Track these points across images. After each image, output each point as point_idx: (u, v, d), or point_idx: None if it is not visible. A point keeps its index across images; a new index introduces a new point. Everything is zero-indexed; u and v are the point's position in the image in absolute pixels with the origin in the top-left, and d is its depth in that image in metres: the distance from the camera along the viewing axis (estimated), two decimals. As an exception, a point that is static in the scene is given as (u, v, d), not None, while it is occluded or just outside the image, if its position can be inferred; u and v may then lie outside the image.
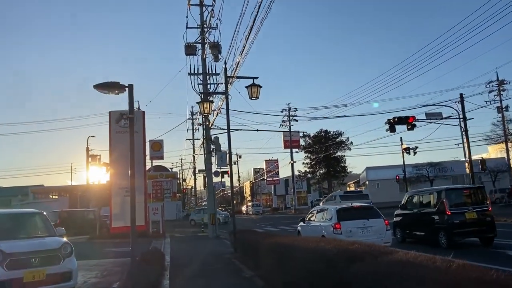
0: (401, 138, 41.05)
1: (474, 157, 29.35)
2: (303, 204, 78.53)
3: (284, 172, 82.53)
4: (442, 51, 58.27)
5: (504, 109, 39.07)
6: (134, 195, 8.35)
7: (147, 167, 54.58)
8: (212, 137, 20.94)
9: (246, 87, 12.31)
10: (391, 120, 22.40)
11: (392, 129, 22.69)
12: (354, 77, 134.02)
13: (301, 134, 45.24)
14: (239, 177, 78.80)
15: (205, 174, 21.59)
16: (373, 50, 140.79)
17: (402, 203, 12.96)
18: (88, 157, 29.09)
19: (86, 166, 30.44)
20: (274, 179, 75.25)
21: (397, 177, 41.13)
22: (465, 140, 25.58)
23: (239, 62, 13.00)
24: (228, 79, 12.61)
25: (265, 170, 76.76)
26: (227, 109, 12.05)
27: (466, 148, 23.76)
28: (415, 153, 38.23)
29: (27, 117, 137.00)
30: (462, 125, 25.12)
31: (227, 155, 12.04)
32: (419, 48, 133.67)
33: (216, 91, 19.44)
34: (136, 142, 21.75)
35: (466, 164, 24.58)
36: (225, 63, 12.47)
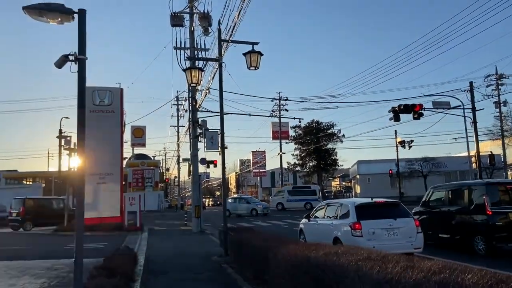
0: (395, 131, 39.50)
1: (472, 153, 27.83)
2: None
3: (271, 164, 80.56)
4: (440, 41, 56.91)
5: (502, 104, 37.77)
6: (84, 179, 5.84)
7: (129, 155, 51.77)
8: (200, 120, 18.66)
9: (244, 54, 10.09)
10: (396, 108, 20.49)
11: (396, 118, 20.78)
12: (348, 66, 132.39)
13: (294, 122, 43.10)
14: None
15: (190, 162, 19.31)
16: (368, 40, 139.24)
17: (424, 199, 11.00)
18: (60, 140, 26.38)
19: (59, 151, 27.72)
20: (261, 171, 73.30)
21: (390, 171, 39.56)
22: (470, 133, 23.91)
23: (235, 24, 10.74)
24: (222, 44, 10.33)
25: (251, 162, 74.72)
26: (220, 79, 9.80)
27: (474, 141, 22.02)
28: (410, 146, 36.65)
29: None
30: (464, 116, 23.47)
31: (219, 136, 9.78)
32: (415, 38, 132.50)
33: (205, 67, 17.12)
34: (112, 123, 19.23)
35: (473, 158, 22.88)
36: (219, 23, 10.17)
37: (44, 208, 21.15)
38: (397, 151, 38.94)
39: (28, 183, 57.22)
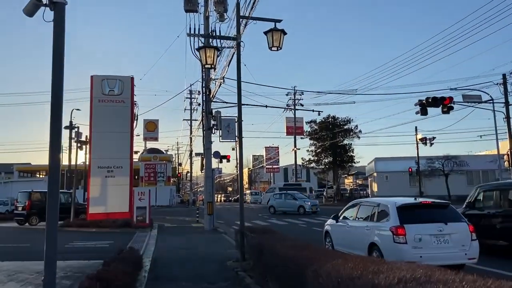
0: (416, 127, 37.78)
1: (487, 152, 26.17)
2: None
3: (284, 160, 79.54)
4: (465, 35, 54.38)
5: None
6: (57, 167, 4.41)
7: (141, 149, 51.06)
8: (213, 111, 17.52)
9: (265, 32, 8.89)
10: (424, 101, 19.03)
11: (423, 112, 19.32)
12: (366, 60, 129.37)
13: (309, 117, 41.82)
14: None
15: (203, 156, 18.21)
16: (387, 32, 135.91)
17: (469, 200, 9.66)
18: (71, 132, 25.57)
19: (69, 143, 26.96)
20: (274, 167, 72.21)
21: (410, 170, 37.92)
22: (500, 129, 22.30)
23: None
24: (240, 20, 9.13)
25: (264, 157, 73.65)
26: (238, 60, 8.63)
27: (508, 138, 20.42)
28: (431, 144, 35.00)
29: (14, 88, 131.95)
30: (494, 111, 21.88)
31: (236, 123, 8.61)
32: (438, 31, 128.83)
33: (220, 54, 15.95)
34: (122, 114, 18.16)
35: (506, 156, 21.26)
36: (238, -4, 8.96)
37: (51, 201, 20.30)
38: (417, 148, 37.26)
39: (41, 176, 57.11)
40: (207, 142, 17.42)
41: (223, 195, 75.23)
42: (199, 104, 44.10)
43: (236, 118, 8.81)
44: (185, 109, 45.29)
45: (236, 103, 18.74)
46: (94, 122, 18.78)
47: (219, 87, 17.77)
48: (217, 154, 18.13)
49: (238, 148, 8.99)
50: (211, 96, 17.27)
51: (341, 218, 8.98)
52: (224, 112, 17.89)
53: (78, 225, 16.95)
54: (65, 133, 31.25)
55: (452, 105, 19.23)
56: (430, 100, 18.93)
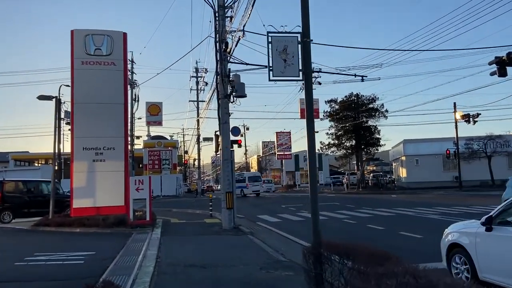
0: (454, 103, 33.38)
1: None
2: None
3: (298, 146, 75.09)
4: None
5: None
6: None
7: (144, 135, 46.99)
8: (231, 75, 13.33)
9: None
10: (504, 58, 14.67)
11: (502, 72, 14.98)
12: (391, 31, 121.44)
13: (324, 97, 37.56)
14: (246, 150, 71.69)
15: (217, 132, 14.03)
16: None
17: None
18: (56, 111, 21.30)
19: (56, 125, 22.80)
20: (286, 153, 67.95)
21: (448, 152, 33.59)
22: None
23: None
24: None
25: (275, 144, 69.35)
26: None
27: None
28: (475, 122, 30.60)
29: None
30: None
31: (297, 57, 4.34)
32: None
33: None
34: (113, 80, 14.13)
35: None
36: None
37: (30, 193, 16.35)
38: (456, 127, 32.91)
39: (39, 165, 53.43)
40: (224, 115, 13.25)
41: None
42: (206, 84, 39.91)
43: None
44: (190, 89, 41.15)
45: (261, 65, 14.49)
46: (76, 90, 14.53)
47: (237, 43, 13.54)
48: (237, 131, 13.99)
49: (305, 91, 4.85)
50: (227, 51, 13.03)
51: (497, 222, 4.81)
52: (244, 79, 13.66)
53: (57, 224, 12.97)
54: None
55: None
56: None
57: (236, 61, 13.75)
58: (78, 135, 13.99)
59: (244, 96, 12.99)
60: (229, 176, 13.08)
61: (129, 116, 14.79)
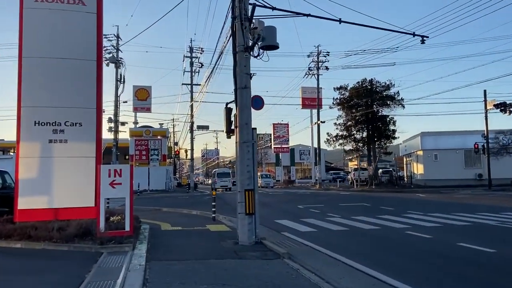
0: (485, 91, 29.58)
1: None
2: (309, 177, 67.49)
3: (292, 140, 70.80)
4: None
5: None
6: None
7: (131, 120, 42.23)
8: (254, 20, 9.03)
9: None
10: None
11: None
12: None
13: (330, 85, 33.35)
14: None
15: (230, 105, 9.66)
16: None
17: None
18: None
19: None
20: (283, 146, 63.85)
21: (476, 146, 29.82)
22: None
23: None
24: None
25: (272, 136, 65.10)
26: None
27: None
28: (511, 111, 26.82)
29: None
30: None
31: None
32: None
33: None
34: (81, 27, 9.54)
35: None
36: None
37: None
38: (486, 118, 29.14)
39: (13, 153, 48.46)
40: (242, 76, 8.98)
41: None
42: (201, 65, 35.49)
43: None
44: (184, 71, 36.64)
45: (298, 13, 10.21)
46: (26, 39, 8.98)
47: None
48: (259, 101, 9.68)
49: None
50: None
51: None
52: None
53: (-10, 234, 8.54)
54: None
55: None
56: None
57: (259, 3, 9.42)
58: (27, 103, 9.63)
59: (276, 46, 8.72)
60: (250, 167, 8.85)
61: (103, 79, 10.35)
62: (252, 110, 9.35)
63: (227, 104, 10.00)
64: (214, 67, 17.57)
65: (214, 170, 47.39)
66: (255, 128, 9.14)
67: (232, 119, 9.69)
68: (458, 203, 18.29)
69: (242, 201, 8.67)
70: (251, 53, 8.96)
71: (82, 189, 9.64)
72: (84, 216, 9.36)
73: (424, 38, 12.29)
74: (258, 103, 9.75)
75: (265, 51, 8.89)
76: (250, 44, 8.92)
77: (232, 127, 9.68)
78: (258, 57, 8.90)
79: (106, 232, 8.30)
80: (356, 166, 40.76)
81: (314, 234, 10.08)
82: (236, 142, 9.16)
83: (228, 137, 10.69)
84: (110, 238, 8.13)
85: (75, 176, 9.69)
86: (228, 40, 11.68)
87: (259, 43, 8.71)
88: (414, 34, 12.15)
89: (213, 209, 13.25)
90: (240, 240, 8.64)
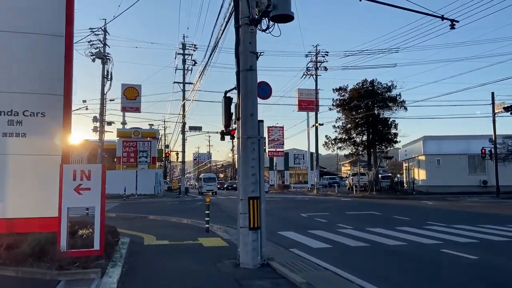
0: (492, 93, 28.17)
1: None
2: (303, 182, 65.81)
3: (286, 144, 69.04)
4: None
5: None
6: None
7: (119, 119, 40.09)
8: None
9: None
10: None
11: None
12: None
13: (330, 86, 31.74)
14: (233, 146, 65.56)
15: (226, 94, 7.82)
16: None
17: None
18: None
19: None
20: (278, 150, 62.07)
21: (483, 151, 28.34)
22: None
23: None
24: None
25: (267, 139, 63.33)
26: None
27: None
28: (521, 115, 25.36)
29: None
30: None
31: None
32: None
33: None
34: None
35: None
36: None
37: None
38: (493, 121, 27.67)
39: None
40: (247, 55, 7.18)
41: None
42: (194, 63, 33.68)
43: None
44: (176, 69, 34.73)
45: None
46: None
47: None
48: (266, 89, 7.88)
49: None
50: None
51: None
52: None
53: None
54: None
55: None
56: None
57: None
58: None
59: (291, 16, 6.90)
60: (256, 168, 7.02)
61: (73, 58, 8.42)
62: (258, 100, 7.56)
63: (226, 92, 8.18)
64: (210, 55, 15.78)
65: (201, 175, 49.81)
66: (262, 121, 7.31)
67: (233, 110, 7.90)
68: (479, 212, 16.63)
69: (246, 212, 6.83)
70: (259, 26, 7.16)
71: (43, 195, 7.68)
72: (46, 229, 7.41)
73: (454, 23, 10.60)
74: (265, 90, 7.96)
75: (275, 23, 7.06)
76: (258, 14, 7.12)
77: (233, 127, 7.94)
78: (267, 31, 7.08)
79: (68, 251, 6.38)
80: (349, 172, 39.19)
81: (330, 252, 8.26)
82: (238, 138, 7.31)
83: (222, 138, 9.01)
84: (74, 259, 6.22)
85: (35, 178, 7.76)
86: (229, 19, 9.93)
87: (269, 12, 6.87)
88: (443, 18, 10.45)
89: (207, 219, 11.39)
90: (241, 261, 6.79)
